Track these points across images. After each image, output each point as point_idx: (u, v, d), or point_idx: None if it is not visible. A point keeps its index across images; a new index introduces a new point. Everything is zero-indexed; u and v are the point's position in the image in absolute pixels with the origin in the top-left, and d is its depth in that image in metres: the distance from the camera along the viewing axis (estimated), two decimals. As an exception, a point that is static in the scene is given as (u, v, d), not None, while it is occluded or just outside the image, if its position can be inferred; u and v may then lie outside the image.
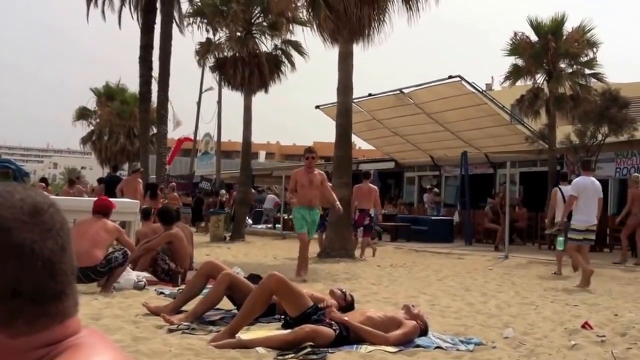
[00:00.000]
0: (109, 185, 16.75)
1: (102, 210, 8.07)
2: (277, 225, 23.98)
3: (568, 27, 19.71)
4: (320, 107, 24.29)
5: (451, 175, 25.92)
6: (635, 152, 19.59)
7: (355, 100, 18.39)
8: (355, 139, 25.74)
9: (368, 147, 34.94)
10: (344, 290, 6.39)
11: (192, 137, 37.59)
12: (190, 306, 6.25)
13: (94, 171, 45.03)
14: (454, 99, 20.42)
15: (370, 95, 22.49)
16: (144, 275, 8.42)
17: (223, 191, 25.96)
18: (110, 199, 9.12)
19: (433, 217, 21.50)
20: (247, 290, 5.79)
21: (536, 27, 19.81)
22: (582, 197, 10.30)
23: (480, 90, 21.04)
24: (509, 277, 11.32)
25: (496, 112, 21.29)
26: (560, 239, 11.17)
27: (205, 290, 6.53)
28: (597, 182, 10.80)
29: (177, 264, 8.83)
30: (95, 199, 9.38)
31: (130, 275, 8.18)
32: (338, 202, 10.55)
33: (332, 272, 11.26)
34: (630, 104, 18.29)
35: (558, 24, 19.69)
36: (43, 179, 22.36)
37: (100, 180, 20.13)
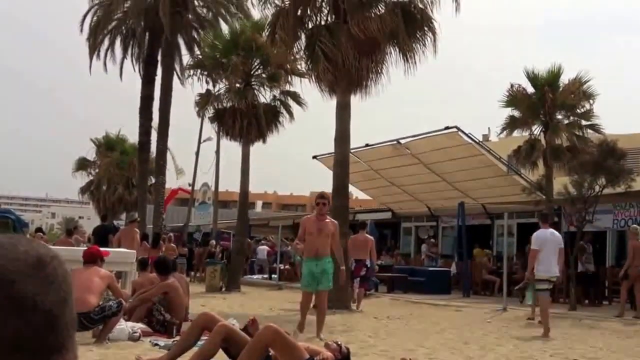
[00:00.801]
0: (99, 235, 16.75)
1: (91, 259, 8.11)
2: (273, 276, 23.82)
3: (564, 79, 19.97)
4: (318, 157, 24.39)
5: (448, 226, 25.85)
6: (633, 203, 19.57)
7: (352, 150, 18.47)
8: (352, 189, 25.85)
9: (365, 197, 34.98)
10: (339, 342, 6.30)
11: (187, 187, 37.60)
12: (185, 358, 6.16)
13: (91, 221, 45.00)
14: (451, 150, 20.51)
15: (367, 145, 22.60)
16: (139, 326, 8.34)
17: (213, 242, 25.92)
18: (103, 249, 9.11)
19: (430, 268, 21.37)
20: (243, 342, 5.71)
21: (533, 78, 20.06)
22: (543, 249, 10.72)
23: (477, 141, 21.17)
24: (508, 329, 11.19)
25: (493, 163, 21.36)
26: (529, 292, 11.40)
27: (200, 342, 6.44)
28: (557, 234, 11.33)
29: (172, 314, 8.74)
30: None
31: (125, 325, 8.08)
32: (344, 267, 9.71)
33: (329, 323, 11.09)
34: (627, 155, 18.37)
35: (554, 75, 19.94)
36: (39, 229, 22.32)
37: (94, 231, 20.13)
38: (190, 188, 36.80)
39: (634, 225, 15.33)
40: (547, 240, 10.77)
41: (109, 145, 38.90)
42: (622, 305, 14.23)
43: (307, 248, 9.14)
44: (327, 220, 9.21)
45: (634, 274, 14.12)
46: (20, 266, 0.90)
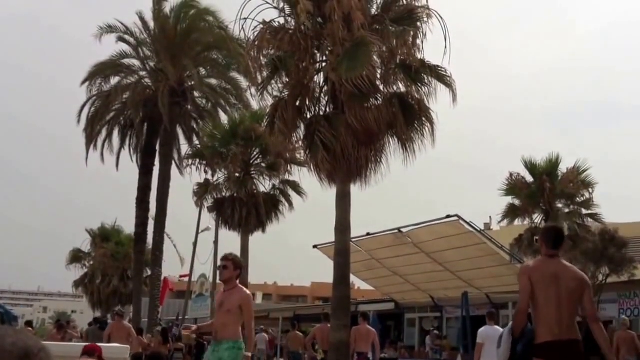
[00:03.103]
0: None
1: (88, 351, 7.77)
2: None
3: (563, 168, 20.04)
4: (318, 247, 24.08)
5: (453, 317, 25.29)
6: (638, 292, 19.25)
7: (353, 240, 18.25)
8: (353, 279, 25.40)
9: (367, 288, 34.42)
10: None
11: (172, 277, 37.00)
12: None
13: (84, 315, 44.12)
14: (453, 239, 20.28)
15: (368, 234, 22.35)
16: None
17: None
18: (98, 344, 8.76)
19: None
20: None
21: (531, 168, 20.14)
22: (487, 343, 11.14)
23: (479, 229, 20.96)
24: None
25: (495, 252, 21.08)
26: None
27: None
28: (500, 330, 11.38)
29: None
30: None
31: None
32: (250, 354, 7.02)
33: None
34: (629, 244, 18.20)
35: (553, 165, 20.03)
36: (28, 323, 21.76)
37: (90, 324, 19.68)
38: (174, 278, 36.18)
39: (624, 317, 15.64)
40: (490, 336, 11.20)
41: (104, 236, 38.58)
42: None
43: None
44: (235, 290, 7.11)
45: None
46: (7, 358, 0.88)
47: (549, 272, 5.53)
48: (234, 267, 7.23)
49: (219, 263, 7.43)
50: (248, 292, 7.22)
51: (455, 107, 14.98)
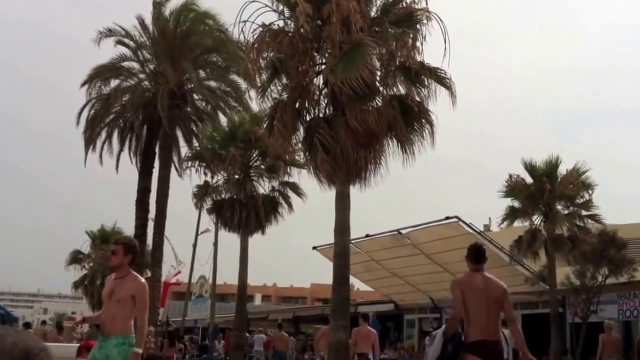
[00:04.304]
0: None
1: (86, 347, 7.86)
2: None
3: (562, 170, 20.01)
4: (318, 248, 24.15)
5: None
6: (637, 293, 19.28)
7: (352, 241, 18.28)
8: (353, 280, 25.44)
9: (366, 289, 34.46)
10: None
11: (174, 278, 36.94)
12: None
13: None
14: (452, 240, 20.33)
15: (367, 235, 22.43)
16: None
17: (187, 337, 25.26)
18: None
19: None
20: None
21: (531, 169, 20.12)
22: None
23: (478, 231, 21.04)
24: None
25: (495, 253, 21.12)
26: None
27: None
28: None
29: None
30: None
31: None
32: (140, 350, 6.05)
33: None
34: (628, 245, 18.23)
35: (552, 166, 20.00)
36: (26, 324, 21.81)
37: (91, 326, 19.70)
38: (177, 279, 36.14)
39: (608, 321, 15.81)
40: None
41: (104, 238, 38.52)
42: None
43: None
44: (126, 277, 6.26)
45: None
46: (8, 358, 0.89)
47: (476, 284, 6.52)
48: (124, 252, 6.32)
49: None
50: (143, 280, 6.32)
51: (455, 108, 15.04)
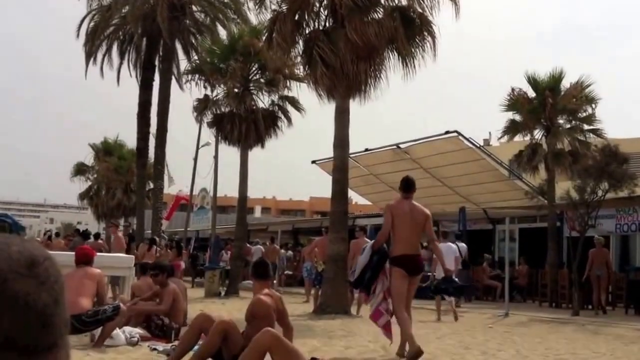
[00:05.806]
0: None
1: (83, 259, 8.00)
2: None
3: (566, 83, 19.74)
4: (317, 162, 24.27)
5: (449, 231, 25.67)
6: (637, 208, 19.45)
7: (351, 155, 18.36)
8: (351, 194, 25.69)
9: (365, 202, 34.82)
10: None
11: (188, 196, 37.39)
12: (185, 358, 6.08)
13: (90, 226, 44.85)
14: (452, 154, 20.39)
15: (366, 150, 22.47)
16: (137, 331, 8.26)
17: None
18: (106, 254, 9.04)
19: (430, 273, 21.15)
20: (239, 344, 5.64)
21: (534, 83, 19.89)
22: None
23: (478, 145, 21.04)
24: (510, 335, 11.06)
25: (494, 168, 21.23)
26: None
27: (196, 347, 6.33)
28: (454, 246, 15.33)
29: (171, 319, 8.66)
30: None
31: (122, 331, 7.99)
32: None
33: (328, 328, 11.01)
34: (630, 159, 18.21)
35: (556, 80, 19.75)
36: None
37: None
38: (187, 195, 36.56)
39: (599, 237, 16.92)
40: (444, 250, 13.55)
41: (107, 151, 38.86)
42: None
43: None
44: None
45: (594, 278, 16.19)
46: (13, 265, 0.90)
47: (404, 209, 7.76)
48: None
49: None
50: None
51: (458, 20, 14.78)
